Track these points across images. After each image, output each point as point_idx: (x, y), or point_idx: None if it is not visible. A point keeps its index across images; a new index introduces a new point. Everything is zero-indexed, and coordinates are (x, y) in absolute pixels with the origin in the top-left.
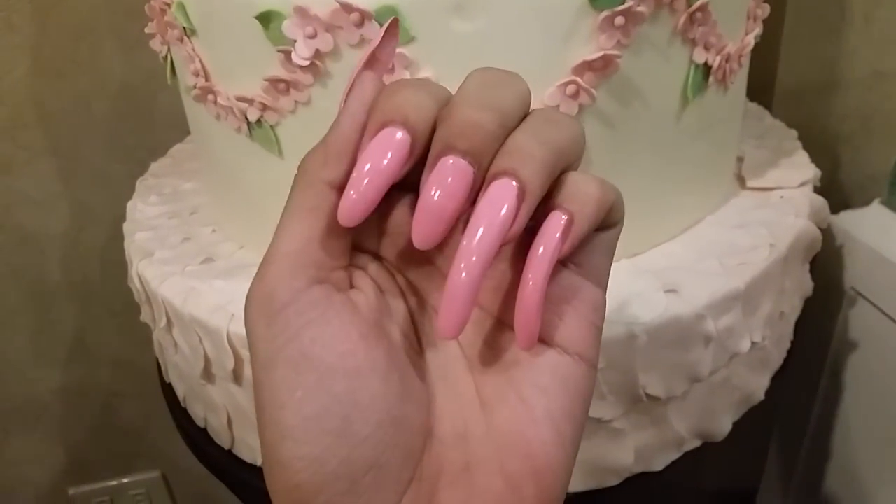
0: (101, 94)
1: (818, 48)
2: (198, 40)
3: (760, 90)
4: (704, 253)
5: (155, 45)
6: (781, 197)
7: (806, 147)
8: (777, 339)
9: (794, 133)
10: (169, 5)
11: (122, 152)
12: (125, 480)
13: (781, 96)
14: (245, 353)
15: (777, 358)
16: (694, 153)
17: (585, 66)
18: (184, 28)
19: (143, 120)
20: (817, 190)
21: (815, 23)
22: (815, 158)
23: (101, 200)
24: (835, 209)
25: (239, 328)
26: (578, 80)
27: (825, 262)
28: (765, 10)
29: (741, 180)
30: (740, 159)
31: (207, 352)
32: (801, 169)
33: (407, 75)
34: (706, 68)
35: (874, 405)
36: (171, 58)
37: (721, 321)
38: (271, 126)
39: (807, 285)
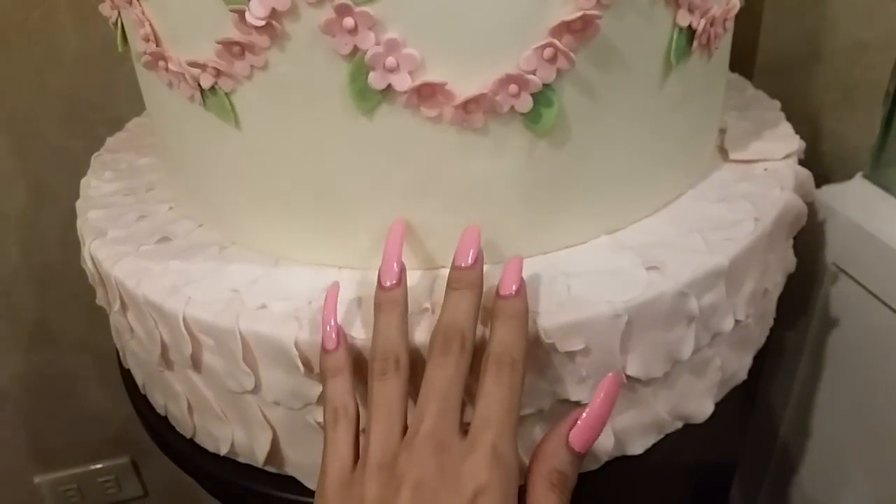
0: (56, 66)
1: (800, 17)
2: (147, 2)
3: (742, 60)
4: (687, 228)
5: (104, 9)
6: (765, 170)
7: (787, 118)
8: (760, 317)
9: (776, 104)
10: None
11: (81, 128)
12: (93, 467)
13: (763, 66)
14: (203, 338)
15: (759, 336)
16: (676, 123)
17: (564, 28)
18: None
19: (103, 93)
20: (800, 162)
21: None
22: (797, 130)
23: (60, 178)
24: (816, 182)
25: (196, 311)
26: (556, 42)
27: (806, 237)
28: None
29: (724, 153)
30: (722, 131)
31: (164, 336)
32: (785, 140)
33: (371, 36)
34: (690, 32)
35: (855, 381)
36: (122, 23)
37: (704, 299)
38: (226, 94)
39: (790, 261)
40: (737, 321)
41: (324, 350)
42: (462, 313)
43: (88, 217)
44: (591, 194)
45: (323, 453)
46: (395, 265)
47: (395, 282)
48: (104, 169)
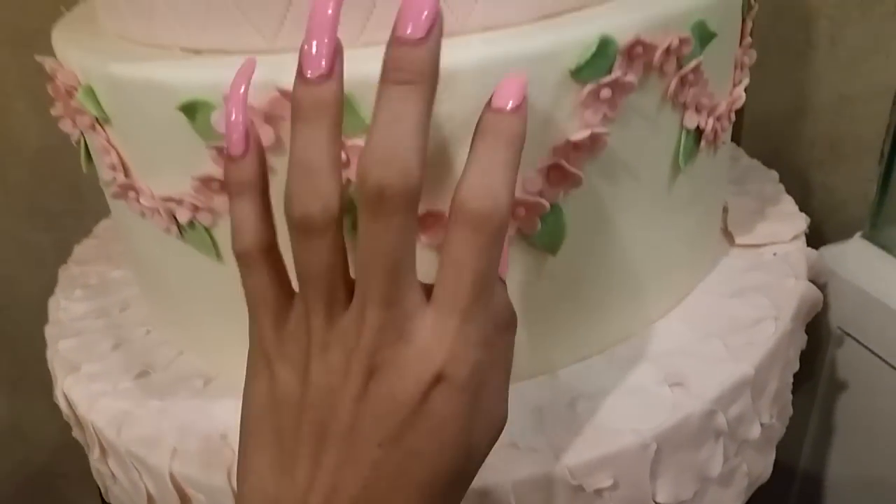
0: (17, 158)
1: (785, 74)
2: (113, 130)
3: None
4: (705, 331)
5: (65, 126)
6: (775, 254)
7: (777, 173)
8: (781, 411)
9: (774, 175)
10: (75, 89)
11: (46, 220)
12: None
13: (750, 124)
14: (193, 493)
15: (781, 429)
16: (686, 222)
17: (570, 147)
18: (96, 116)
19: (67, 184)
20: None
21: (782, 48)
22: (786, 185)
23: (26, 273)
24: (810, 236)
25: (183, 467)
26: (563, 162)
27: None
28: (752, 57)
29: (728, 235)
30: (724, 210)
31: (150, 489)
32: (791, 220)
33: None
34: (698, 133)
35: (865, 447)
36: (86, 143)
37: (731, 411)
38: (206, 228)
39: (803, 340)
40: (762, 425)
41: (228, 157)
42: (407, 129)
43: (59, 348)
44: (602, 304)
45: (246, 296)
46: (324, 42)
47: (324, 71)
48: (73, 286)
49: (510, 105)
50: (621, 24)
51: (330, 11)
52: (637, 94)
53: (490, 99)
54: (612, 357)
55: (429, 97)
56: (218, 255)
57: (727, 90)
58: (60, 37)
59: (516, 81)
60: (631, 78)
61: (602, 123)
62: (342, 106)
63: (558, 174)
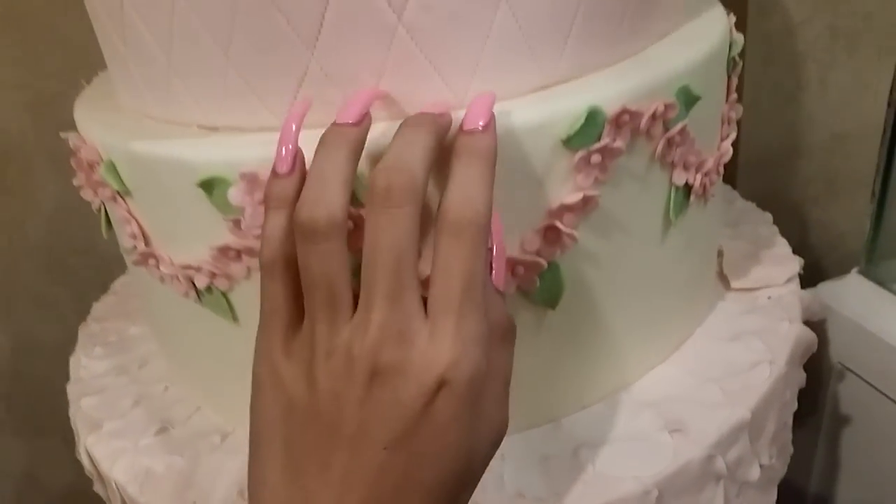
0: (36, 216)
1: (777, 116)
2: (133, 202)
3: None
4: (702, 376)
5: (86, 195)
6: (769, 298)
7: (774, 212)
8: (781, 450)
9: (768, 217)
10: (97, 163)
11: (64, 275)
12: None
13: (745, 166)
14: None
15: (782, 469)
16: (680, 272)
17: (564, 209)
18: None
19: (85, 239)
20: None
21: (773, 92)
22: (784, 222)
23: (45, 327)
24: (810, 272)
25: None
26: (558, 223)
27: None
28: (738, 111)
29: (724, 279)
30: (720, 254)
31: None
32: (784, 263)
33: None
34: (687, 188)
35: (871, 478)
36: (106, 210)
37: (730, 454)
38: (223, 293)
39: (801, 378)
40: (762, 466)
41: (273, 173)
42: (416, 150)
43: (82, 405)
44: (601, 353)
45: (261, 305)
46: (357, 109)
47: (351, 121)
48: (93, 343)
49: (480, 125)
50: (608, 95)
51: (368, 98)
52: (626, 157)
53: (462, 123)
54: (612, 404)
55: (439, 137)
56: (234, 318)
57: (715, 145)
58: (82, 113)
59: (483, 103)
60: (619, 144)
61: (594, 186)
62: (362, 144)
63: (554, 234)
